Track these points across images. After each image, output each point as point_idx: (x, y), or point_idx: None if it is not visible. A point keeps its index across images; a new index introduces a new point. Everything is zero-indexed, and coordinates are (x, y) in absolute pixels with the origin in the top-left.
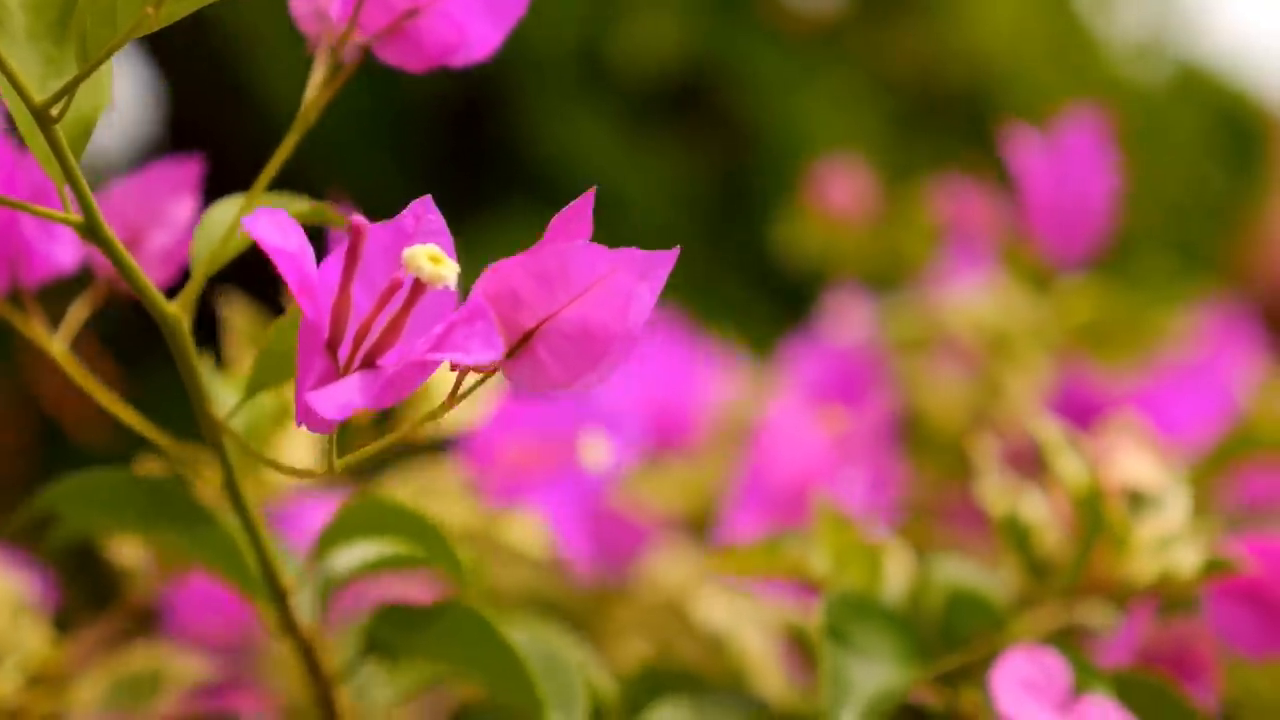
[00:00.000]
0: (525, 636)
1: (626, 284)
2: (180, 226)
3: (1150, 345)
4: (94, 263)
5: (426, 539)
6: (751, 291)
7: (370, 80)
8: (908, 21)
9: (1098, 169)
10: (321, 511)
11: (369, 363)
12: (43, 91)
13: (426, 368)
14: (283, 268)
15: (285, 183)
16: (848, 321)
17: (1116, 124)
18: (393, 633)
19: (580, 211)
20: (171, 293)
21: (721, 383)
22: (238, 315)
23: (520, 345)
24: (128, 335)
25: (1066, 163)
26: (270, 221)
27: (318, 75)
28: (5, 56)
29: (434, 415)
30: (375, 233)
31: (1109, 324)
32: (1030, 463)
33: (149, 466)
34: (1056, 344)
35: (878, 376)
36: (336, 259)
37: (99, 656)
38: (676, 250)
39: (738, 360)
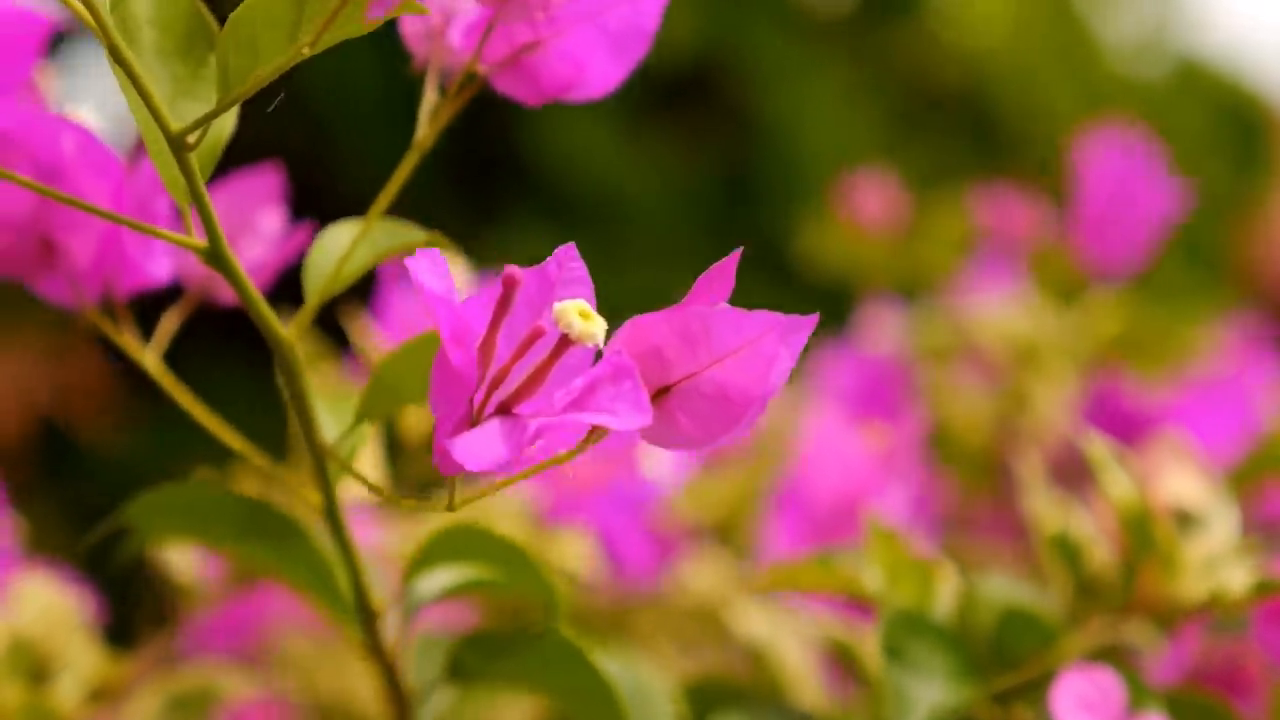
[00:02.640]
0: (615, 665)
1: (770, 350)
2: (269, 238)
3: (1178, 359)
4: (183, 276)
5: (517, 565)
6: (758, 287)
7: (378, 75)
8: (908, 19)
9: (1158, 185)
10: (367, 525)
11: (504, 410)
12: (172, 112)
13: (574, 429)
14: (439, 314)
15: (297, 184)
16: (881, 331)
17: (1117, 122)
18: (478, 658)
19: (724, 271)
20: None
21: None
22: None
23: (656, 400)
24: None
25: (1129, 175)
26: (429, 265)
27: (429, 99)
28: (141, 75)
29: (560, 461)
30: (522, 279)
31: (1138, 337)
32: (1061, 474)
33: (208, 476)
34: (1084, 356)
35: (909, 387)
36: (482, 304)
37: (154, 674)
38: (816, 316)
39: None
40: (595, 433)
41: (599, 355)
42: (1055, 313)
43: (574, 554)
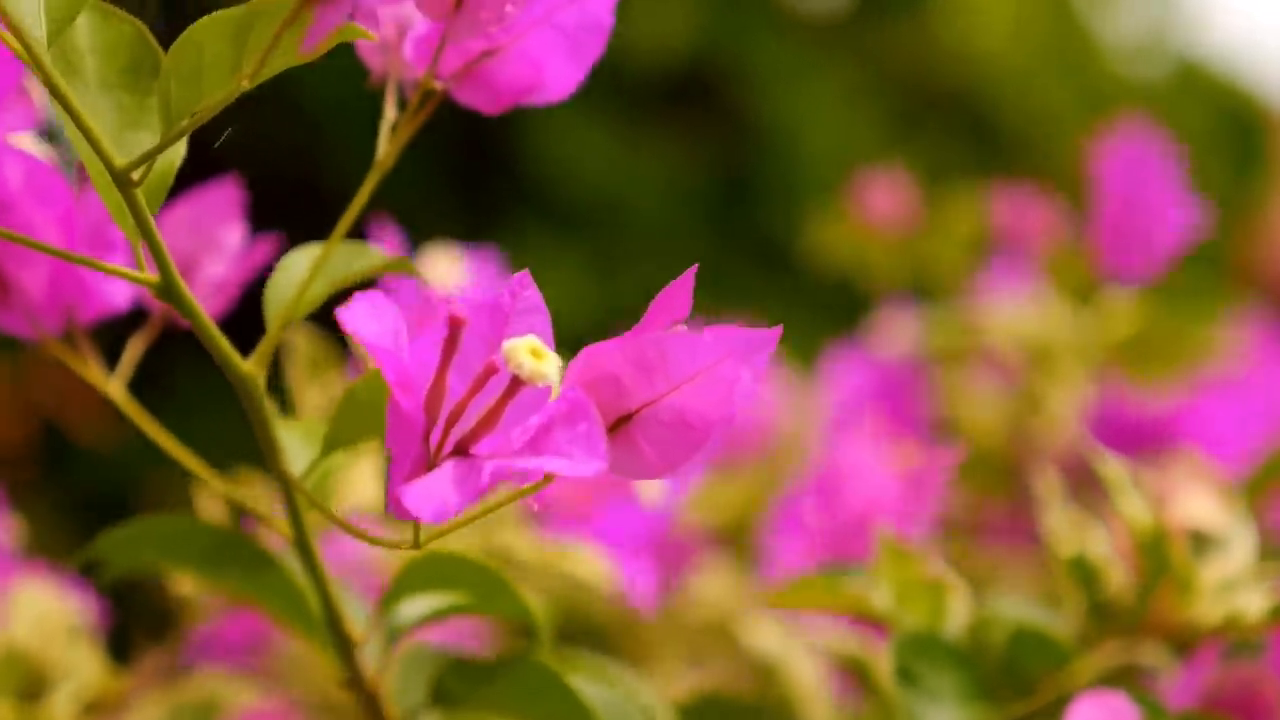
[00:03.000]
0: (598, 690)
1: (729, 373)
2: (231, 254)
3: (1193, 361)
4: (147, 301)
5: (496, 592)
6: (758, 286)
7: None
8: (907, 20)
9: (1174, 190)
10: (350, 543)
11: (461, 449)
12: (118, 144)
13: (528, 475)
14: (380, 361)
15: (293, 192)
16: (892, 334)
17: (1133, 124)
18: (461, 684)
19: (679, 292)
20: (222, 325)
21: (760, 392)
22: (301, 343)
23: (616, 429)
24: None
25: (1146, 179)
26: (367, 311)
27: (389, 115)
28: (80, 111)
29: (523, 495)
30: (472, 314)
31: (1152, 338)
32: (1074, 479)
33: (205, 507)
34: (1098, 358)
35: (921, 391)
36: (430, 343)
37: (155, 685)
38: (779, 329)
39: (773, 367)
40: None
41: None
42: (1069, 314)
43: (593, 569)
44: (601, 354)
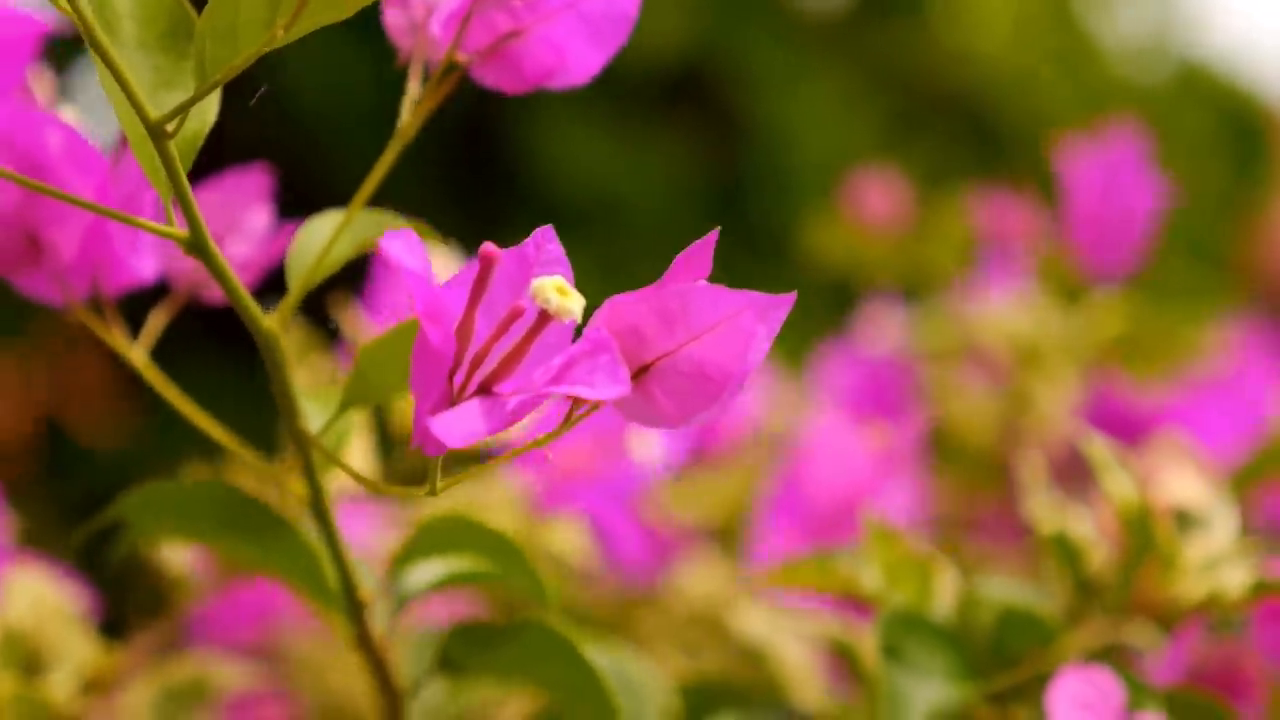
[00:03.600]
0: (606, 658)
1: (747, 326)
2: (258, 236)
3: (1182, 359)
4: (171, 273)
5: (506, 557)
6: (755, 286)
7: (377, 81)
8: (907, 21)
9: (1144, 183)
10: (359, 517)
11: (484, 389)
12: (153, 103)
13: (546, 400)
14: (415, 292)
15: (294, 188)
16: (880, 331)
17: (1105, 123)
18: (468, 650)
19: (701, 251)
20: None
21: (751, 389)
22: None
23: (634, 379)
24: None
25: (1114, 175)
26: (404, 244)
27: (413, 90)
28: (119, 64)
29: (541, 443)
30: (500, 258)
31: (1141, 337)
32: (1063, 475)
33: (200, 471)
34: (1087, 357)
35: (911, 387)
36: (460, 284)
37: (148, 665)
38: (793, 295)
39: (764, 364)
40: (576, 413)
41: (579, 335)
42: (1058, 313)
43: (568, 543)
44: (623, 304)
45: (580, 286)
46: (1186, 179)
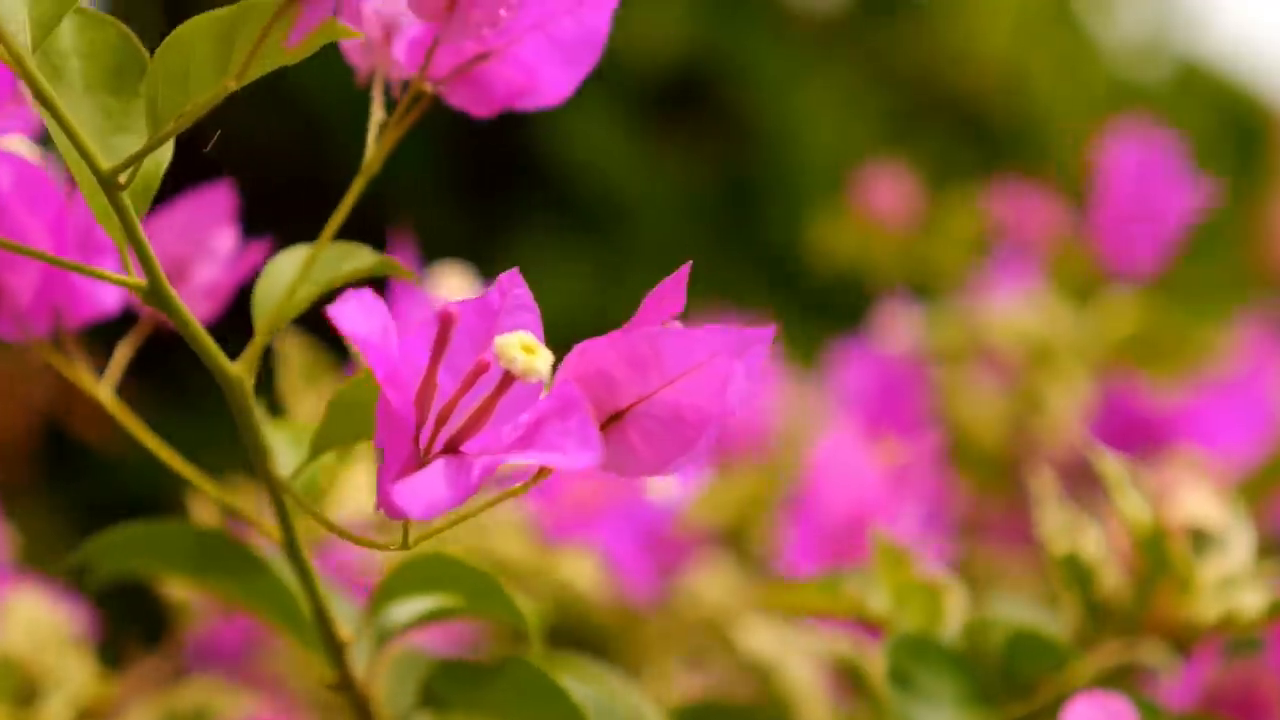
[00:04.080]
0: (587, 691)
1: (723, 368)
2: (223, 259)
3: (1194, 360)
4: (134, 304)
5: (487, 594)
6: (760, 286)
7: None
8: (908, 21)
9: (1177, 182)
10: (350, 550)
11: (451, 447)
12: (104, 148)
13: (519, 469)
14: (369, 358)
15: (289, 180)
16: (894, 331)
17: (1136, 122)
18: (451, 686)
19: (673, 289)
20: (214, 328)
21: (762, 391)
22: (294, 352)
23: (609, 426)
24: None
25: (1148, 173)
26: (357, 309)
27: (376, 116)
28: (66, 115)
29: (515, 494)
30: (461, 312)
31: (1153, 337)
32: (1074, 478)
33: (198, 511)
34: (1099, 357)
35: (923, 388)
36: (421, 340)
37: (148, 691)
38: (773, 328)
39: (774, 365)
40: (546, 468)
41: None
42: (1070, 313)
43: (581, 572)
44: (593, 350)
45: (585, 287)
46: (1190, 174)
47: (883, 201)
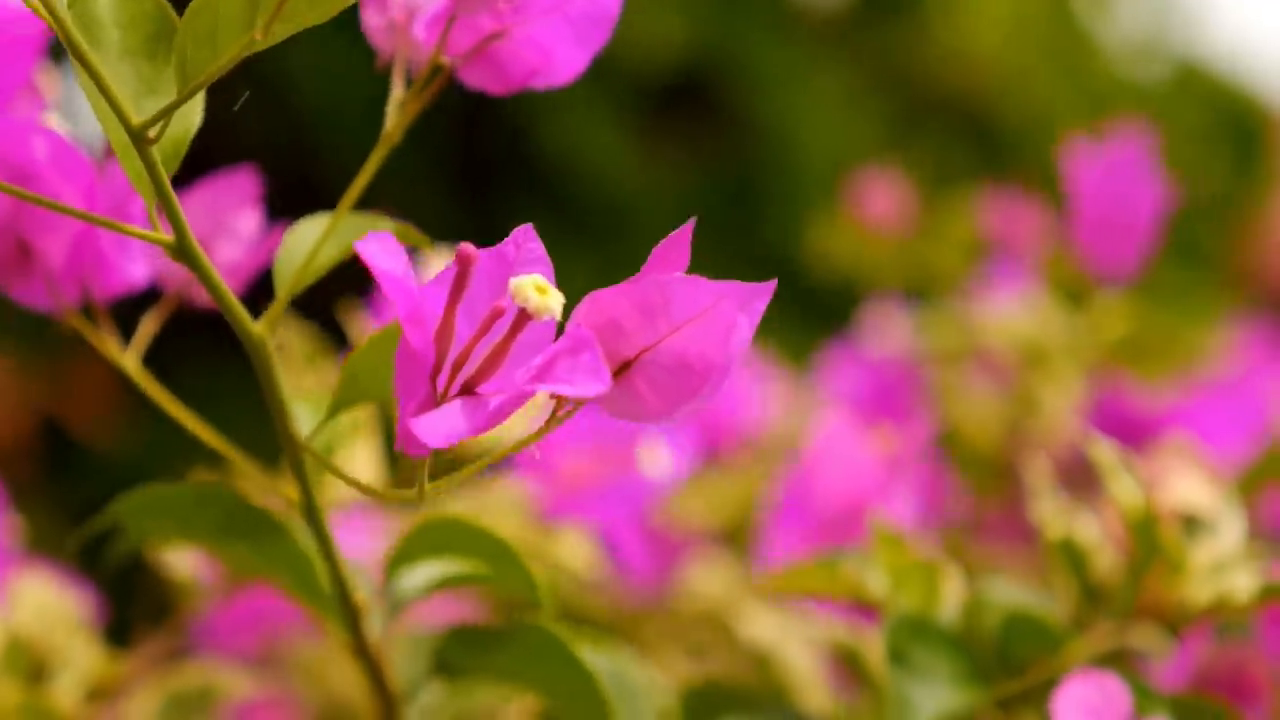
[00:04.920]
0: (601, 659)
1: (728, 316)
2: (247, 239)
3: (1187, 361)
4: (163, 278)
5: (500, 559)
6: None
7: (377, 79)
8: (907, 22)
9: (1149, 184)
10: (362, 523)
11: (467, 390)
12: (137, 109)
13: (528, 398)
14: (391, 293)
15: (281, 180)
16: (887, 333)
17: (1111, 124)
18: (463, 653)
19: (679, 242)
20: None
21: (757, 392)
22: (295, 339)
23: (617, 375)
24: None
25: (1119, 176)
26: (381, 246)
27: (396, 93)
28: (100, 73)
29: (527, 443)
30: (478, 258)
31: (1145, 339)
32: (1069, 478)
33: (203, 475)
34: (1093, 359)
35: (916, 389)
36: (440, 285)
37: (154, 672)
38: (773, 283)
39: (770, 367)
40: (560, 411)
41: (560, 332)
42: (1063, 315)
43: (576, 552)
44: (604, 299)
45: (584, 286)
46: (1183, 179)
47: (879, 206)
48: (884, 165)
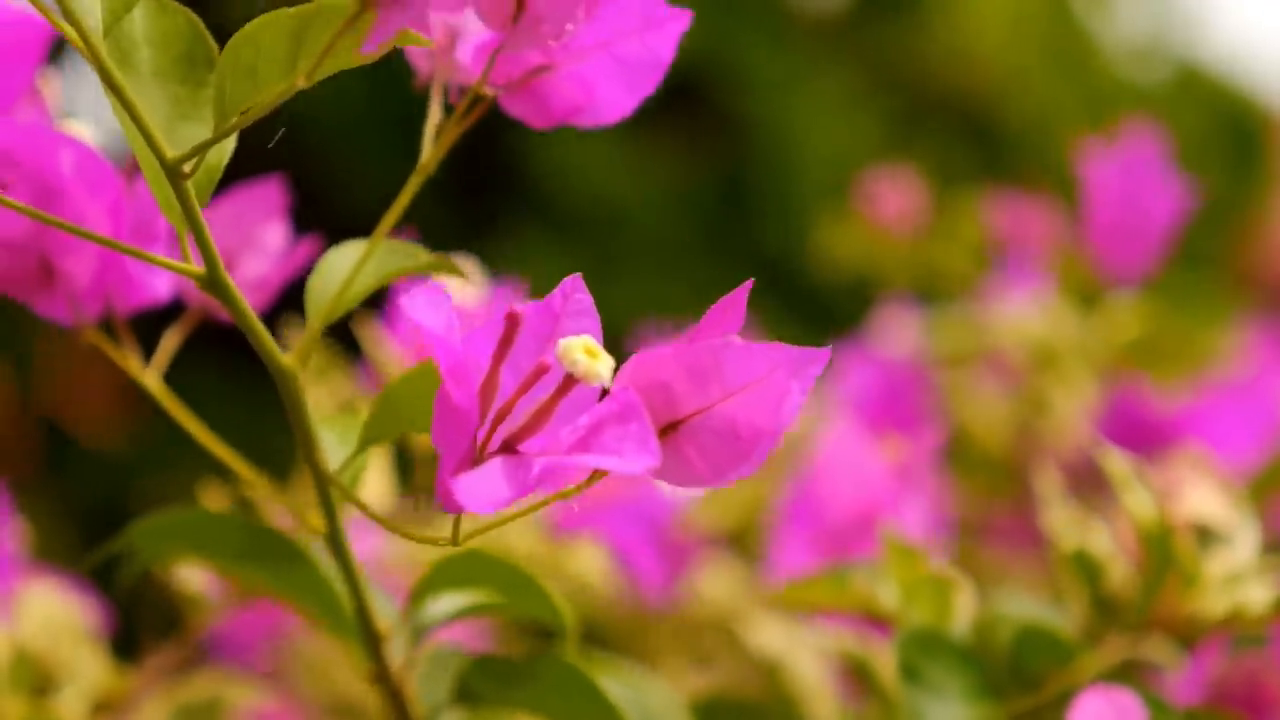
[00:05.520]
0: (623, 690)
1: (782, 384)
2: (273, 254)
3: (1199, 363)
4: (185, 293)
5: (525, 590)
6: (758, 290)
7: (373, 87)
8: (906, 22)
9: (1163, 186)
10: (366, 538)
11: (509, 446)
12: (170, 135)
13: (579, 470)
14: (437, 352)
15: (299, 199)
16: (897, 334)
17: (1123, 127)
18: (486, 683)
19: (735, 303)
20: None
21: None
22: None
23: (664, 436)
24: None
25: (1133, 178)
26: (428, 301)
27: (434, 118)
28: (134, 103)
29: (563, 497)
30: (525, 314)
31: (1157, 341)
32: (1079, 481)
33: (214, 490)
34: (1104, 361)
35: (926, 391)
36: (484, 339)
37: (161, 685)
38: (829, 350)
39: None
40: (600, 470)
41: (605, 389)
42: (1074, 317)
43: (591, 565)
44: (653, 360)
45: None
46: (1183, 180)
47: (889, 206)
48: (893, 165)
